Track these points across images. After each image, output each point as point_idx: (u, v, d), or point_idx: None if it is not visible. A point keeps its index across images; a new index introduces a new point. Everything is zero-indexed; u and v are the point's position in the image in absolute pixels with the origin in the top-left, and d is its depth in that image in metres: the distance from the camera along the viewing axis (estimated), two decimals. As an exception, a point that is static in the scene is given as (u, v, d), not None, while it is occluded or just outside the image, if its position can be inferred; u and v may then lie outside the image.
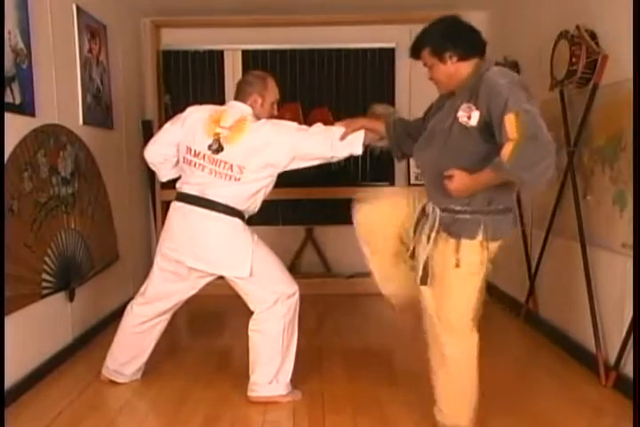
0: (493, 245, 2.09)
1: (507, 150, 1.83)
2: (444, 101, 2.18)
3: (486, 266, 2.10)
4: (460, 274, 2.09)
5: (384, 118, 2.43)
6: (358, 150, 2.54)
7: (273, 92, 2.67)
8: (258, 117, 2.58)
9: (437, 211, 2.11)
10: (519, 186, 2.09)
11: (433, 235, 2.11)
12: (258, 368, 2.64)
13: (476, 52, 2.09)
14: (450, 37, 2.08)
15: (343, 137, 2.49)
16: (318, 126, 2.58)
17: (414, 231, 2.25)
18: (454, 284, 2.11)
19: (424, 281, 2.17)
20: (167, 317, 2.80)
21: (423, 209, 2.23)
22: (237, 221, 2.57)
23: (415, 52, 2.17)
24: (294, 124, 2.59)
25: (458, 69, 2.07)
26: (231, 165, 2.47)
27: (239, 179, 2.49)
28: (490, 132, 1.95)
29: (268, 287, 2.66)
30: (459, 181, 1.98)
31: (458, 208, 2.06)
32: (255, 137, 2.49)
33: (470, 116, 1.98)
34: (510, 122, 1.83)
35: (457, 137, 2.04)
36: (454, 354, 2.18)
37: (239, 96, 2.64)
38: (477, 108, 1.96)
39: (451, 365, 2.19)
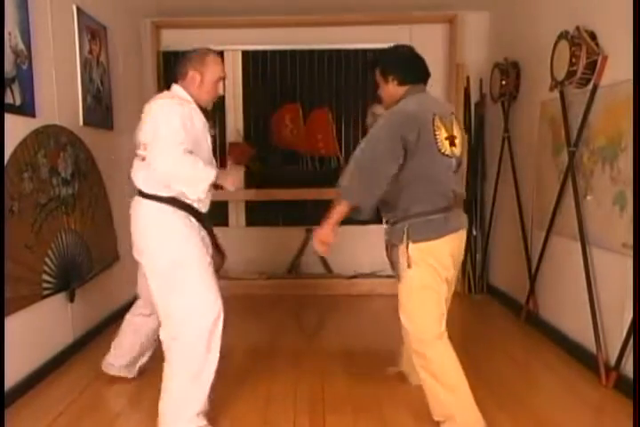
0: (418, 246, 2.25)
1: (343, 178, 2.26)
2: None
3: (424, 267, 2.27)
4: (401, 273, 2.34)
5: None
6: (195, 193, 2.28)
7: (213, 69, 2.41)
8: (198, 98, 2.39)
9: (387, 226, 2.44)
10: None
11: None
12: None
13: (412, 80, 2.38)
14: (396, 64, 2.40)
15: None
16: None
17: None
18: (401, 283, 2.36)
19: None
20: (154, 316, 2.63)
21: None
22: (157, 204, 2.36)
23: (370, 68, 2.53)
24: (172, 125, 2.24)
25: (397, 92, 2.37)
26: (141, 145, 2.37)
27: (145, 158, 2.32)
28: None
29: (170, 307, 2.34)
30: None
31: (392, 221, 2.37)
32: (148, 116, 2.32)
33: None
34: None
35: None
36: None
37: (177, 76, 2.44)
38: None
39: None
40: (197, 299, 2.30)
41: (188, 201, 2.36)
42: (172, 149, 2.19)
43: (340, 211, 2.30)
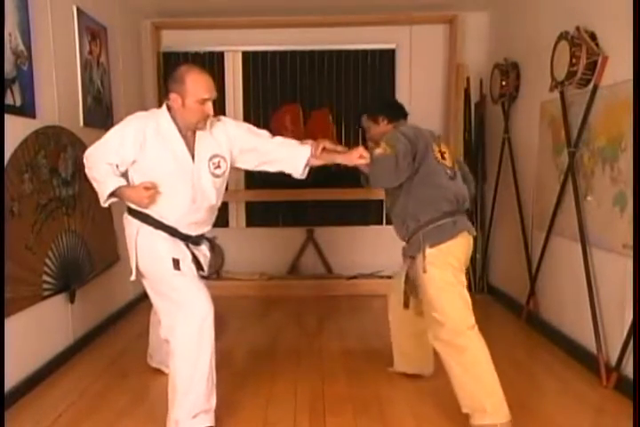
0: (438, 248, 2.47)
1: (378, 151, 2.48)
2: None
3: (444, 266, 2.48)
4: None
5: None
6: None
7: (194, 91, 2.27)
8: (184, 119, 2.33)
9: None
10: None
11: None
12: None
13: (399, 116, 2.75)
14: (382, 106, 2.83)
15: None
16: None
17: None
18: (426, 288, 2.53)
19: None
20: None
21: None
22: (125, 214, 2.46)
23: (359, 117, 2.87)
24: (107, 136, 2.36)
25: (387, 129, 2.68)
26: None
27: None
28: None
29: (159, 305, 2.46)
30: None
31: (407, 237, 2.59)
32: None
33: None
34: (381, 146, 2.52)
35: None
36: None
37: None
38: None
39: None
40: (175, 306, 2.34)
41: (164, 220, 2.38)
42: (95, 154, 2.34)
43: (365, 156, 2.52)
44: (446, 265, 2.47)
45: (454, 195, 2.55)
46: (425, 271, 2.45)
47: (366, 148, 2.60)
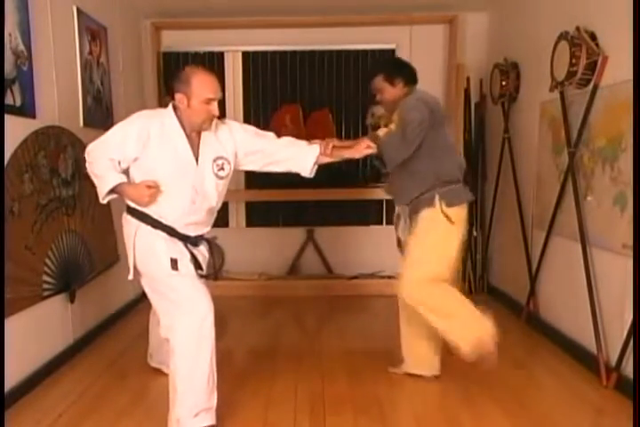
0: (452, 211, 2.63)
1: (383, 132, 2.56)
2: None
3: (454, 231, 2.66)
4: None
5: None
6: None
7: (200, 91, 2.28)
8: (190, 119, 2.33)
9: (406, 209, 2.75)
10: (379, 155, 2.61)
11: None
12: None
13: (414, 80, 2.77)
14: (400, 68, 2.79)
15: None
16: None
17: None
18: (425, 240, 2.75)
19: None
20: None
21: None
22: (124, 213, 2.47)
23: (370, 77, 2.83)
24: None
25: (402, 92, 2.72)
26: None
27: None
28: None
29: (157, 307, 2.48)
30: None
31: (417, 193, 2.68)
32: None
33: None
34: (394, 119, 2.61)
35: None
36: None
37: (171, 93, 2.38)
38: None
39: None
40: (174, 305, 2.34)
41: (162, 220, 2.38)
42: (98, 149, 2.35)
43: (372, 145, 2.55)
44: (459, 226, 2.64)
45: (463, 165, 2.78)
46: (453, 223, 2.60)
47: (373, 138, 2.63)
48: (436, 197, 2.62)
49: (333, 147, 2.55)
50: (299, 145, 2.61)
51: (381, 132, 2.56)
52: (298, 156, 2.57)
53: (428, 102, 2.59)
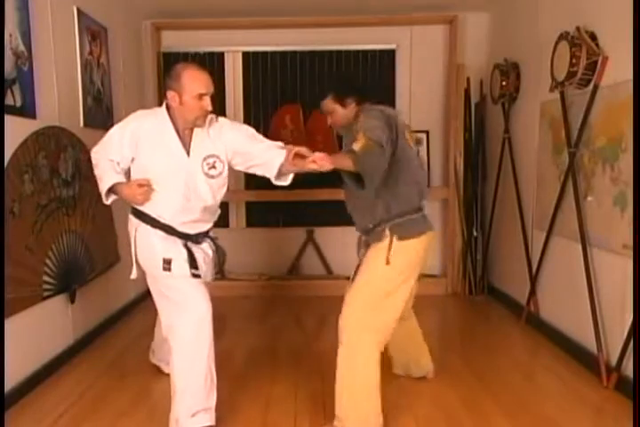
0: (404, 244, 2.35)
1: (357, 147, 2.14)
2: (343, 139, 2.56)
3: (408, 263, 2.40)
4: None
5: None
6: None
7: (191, 87, 2.27)
8: (183, 116, 2.32)
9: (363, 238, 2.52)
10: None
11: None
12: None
13: (367, 97, 2.46)
14: (349, 85, 2.52)
15: None
16: None
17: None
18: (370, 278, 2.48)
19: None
20: None
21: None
22: (130, 215, 2.48)
23: (322, 99, 2.50)
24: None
25: (353, 113, 2.42)
26: None
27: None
28: None
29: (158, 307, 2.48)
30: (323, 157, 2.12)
31: (370, 225, 2.43)
32: None
33: None
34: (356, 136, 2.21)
35: None
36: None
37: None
38: None
39: None
40: (173, 305, 2.36)
41: (160, 219, 2.39)
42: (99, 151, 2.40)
43: (345, 160, 2.14)
44: (407, 261, 2.37)
45: (424, 190, 2.46)
46: (388, 263, 2.33)
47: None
48: (387, 231, 2.37)
49: (297, 155, 2.20)
50: (275, 151, 2.42)
51: (356, 146, 2.16)
52: (268, 161, 2.43)
53: (384, 110, 2.36)
